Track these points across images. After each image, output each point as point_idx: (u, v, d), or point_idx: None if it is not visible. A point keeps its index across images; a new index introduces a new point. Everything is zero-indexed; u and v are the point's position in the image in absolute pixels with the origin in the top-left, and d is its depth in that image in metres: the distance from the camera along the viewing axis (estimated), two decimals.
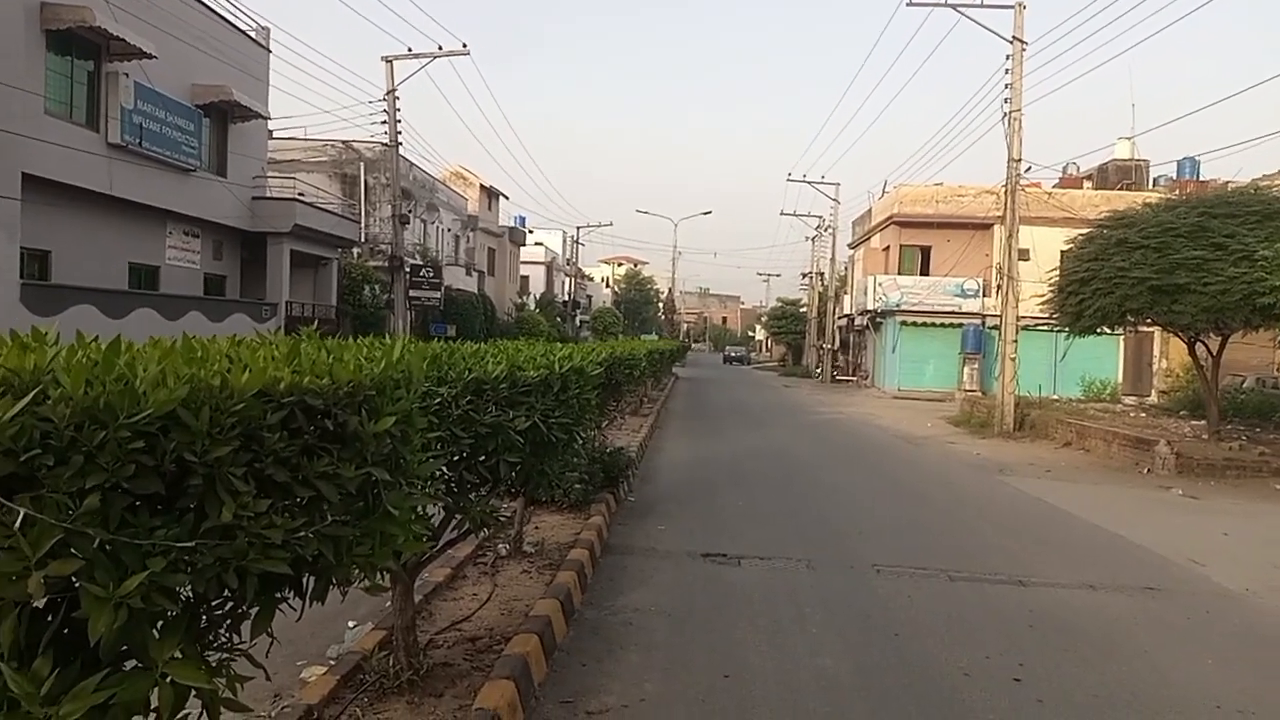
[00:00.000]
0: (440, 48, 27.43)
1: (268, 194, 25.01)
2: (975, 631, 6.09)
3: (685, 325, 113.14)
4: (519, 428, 4.54)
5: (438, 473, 4.39)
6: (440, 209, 39.96)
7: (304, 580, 2.34)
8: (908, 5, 22.23)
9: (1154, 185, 36.22)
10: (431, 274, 32.60)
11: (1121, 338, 30.47)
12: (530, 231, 59.52)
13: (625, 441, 13.84)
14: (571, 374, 5.36)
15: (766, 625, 6.09)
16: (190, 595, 2.01)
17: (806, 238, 57.81)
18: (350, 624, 5.64)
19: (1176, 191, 27.16)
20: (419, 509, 3.93)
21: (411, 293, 30.70)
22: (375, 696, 4.41)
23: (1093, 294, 17.10)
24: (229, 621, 2.22)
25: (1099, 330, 19.09)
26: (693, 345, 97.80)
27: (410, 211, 32.91)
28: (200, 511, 1.96)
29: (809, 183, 48.76)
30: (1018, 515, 10.88)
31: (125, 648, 1.88)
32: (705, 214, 77.13)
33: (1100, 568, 8.09)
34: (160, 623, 1.94)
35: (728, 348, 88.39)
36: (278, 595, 2.27)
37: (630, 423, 18.19)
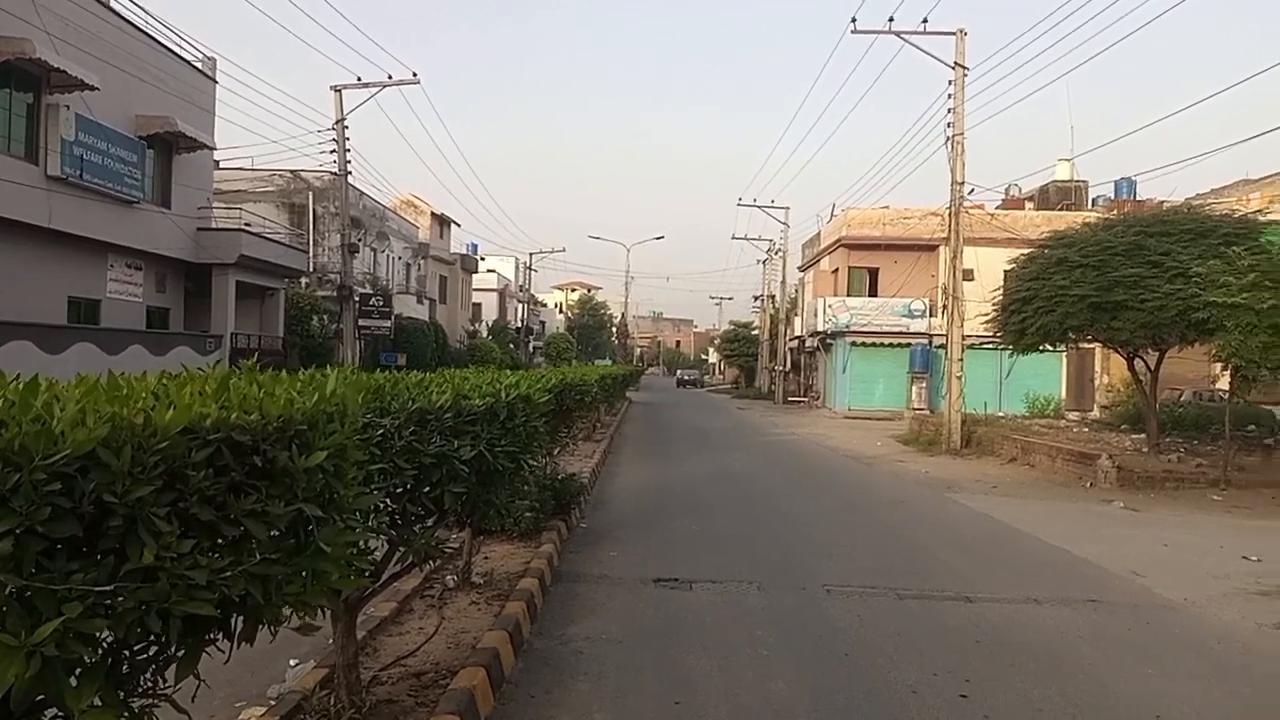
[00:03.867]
0: (390, 76, 27.39)
1: (213, 225, 24.63)
2: (923, 649, 6.15)
3: (639, 349, 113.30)
4: (464, 457, 4.51)
5: (380, 505, 4.34)
6: (391, 237, 39.68)
7: (232, 621, 2.29)
8: (853, 33, 22.73)
9: (1093, 205, 37.20)
10: (381, 303, 32.30)
11: (1064, 355, 31.16)
12: (482, 259, 59.35)
13: (578, 468, 13.80)
14: (518, 402, 5.34)
15: (718, 649, 6.09)
16: (111, 640, 1.96)
17: (758, 261, 58.43)
18: (292, 662, 5.53)
19: (1114, 211, 27.94)
20: (360, 543, 3.90)
21: (361, 322, 30.38)
22: None
23: (1035, 312, 17.50)
24: (154, 666, 2.17)
25: (1041, 348, 19.53)
26: (647, 369, 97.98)
27: (360, 240, 32.63)
28: (121, 553, 1.92)
29: (759, 207, 49.40)
30: (964, 532, 11.04)
31: (41, 697, 1.83)
32: (658, 239, 78.15)
33: (1044, 582, 8.23)
34: (78, 670, 1.89)
35: (680, 371, 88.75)
36: (205, 637, 2.22)
37: (583, 448, 18.14)
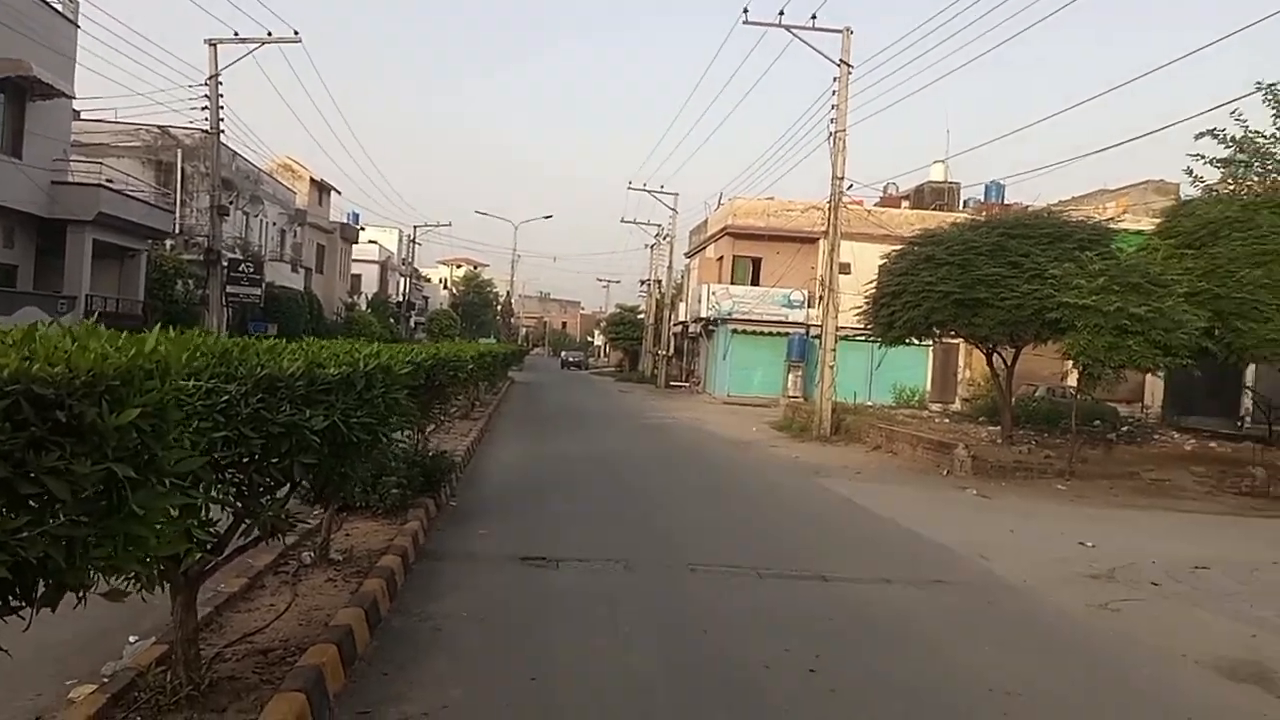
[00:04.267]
0: (270, 34, 26.16)
1: (70, 179, 23.02)
2: (779, 626, 6.32)
3: (524, 329, 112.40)
4: (316, 427, 4.34)
5: (226, 474, 4.16)
6: (265, 201, 38.01)
7: (33, 586, 2.13)
8: (745, 23, 22.98)
9: (964, 206, 38.84)
10: (251, 269, 30.97)
11: (930, 348, 32.51)
12: (363, 229, 57.56)
13: (451, 446, 13.59)
14: (377, 372, 5.18)
15: (580, 627, 6.11)
16: None
17: (646, 245, 58.69)
18: (131, 639, 5.25)
19: (983, 213, 29.27)
20: (200, 512, 3.72)
21: (229, 289, 29.08)
22: (149, 715, 4.11)
23: (903, 306, 18.19)
24: None
25: (908, 340, 20.35)
26: (531, 349, 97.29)
27: (231, 203, 31.11)
28: None
29: (649, 192, 49.62)
30: (827, 515, 11.41)
31: None
32: (546, 218, 77.71)
33: (897, 563, 8.58)
34: None
35: (565, 352, 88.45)
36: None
37: (460, 427, 17.88)
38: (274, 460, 4.33)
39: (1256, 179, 19.38)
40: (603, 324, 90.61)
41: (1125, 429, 21.09)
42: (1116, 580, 8.02)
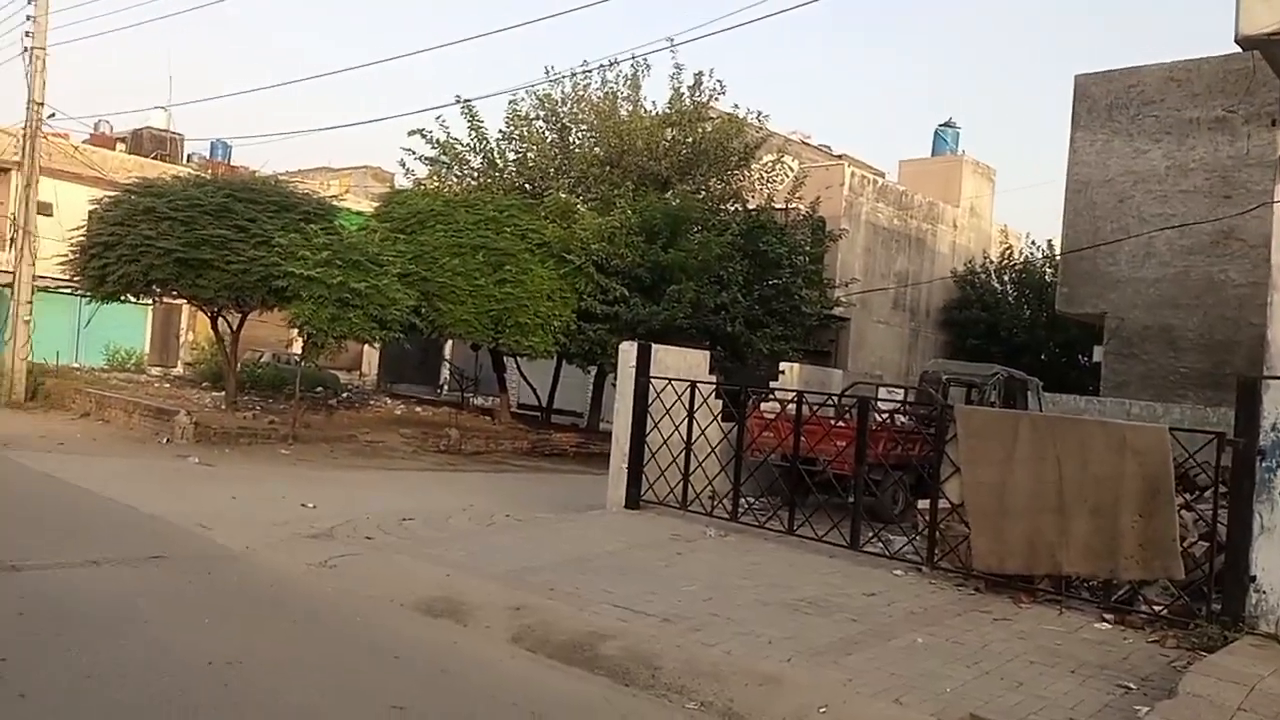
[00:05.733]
0: None
1: None
2: None
3: None
4: None
5: None
6: None
7: None
8: None
9: (188, 160, 36.83)
10: None
11: (151, 308, 30.18)
12: None
13: None
14: None
15: None
16: None
17: None
18: None
19: (209, 171, 28.17)
20: None
21: None
22: None
23: (118, 260, 16.52)
24: None
25: (124, 298, 18.58)
26: None
27: None
28: None
29: None
30: (20, 494, 9.88)
31: None
32: None
33: (107, 542, 7.80)
34: None
35: None
36: None
37: None
38: None
39: (456, 180, 22.44)
40: None
41: (345, 395, 22.58)
42: (335, 538, 8.52)
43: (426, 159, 22.11)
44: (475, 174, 22.15)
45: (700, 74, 21.64)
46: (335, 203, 20.52)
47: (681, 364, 10.97)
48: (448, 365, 28.42)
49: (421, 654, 5.73)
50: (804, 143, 29.64)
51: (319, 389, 21.04)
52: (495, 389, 23.31)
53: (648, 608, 6.49)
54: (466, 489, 12.94)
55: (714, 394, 10.52)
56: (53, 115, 20.15)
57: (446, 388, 28.39)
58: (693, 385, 10.20)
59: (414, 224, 18.38)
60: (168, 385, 22.26)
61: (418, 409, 22.46)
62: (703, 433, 10.17)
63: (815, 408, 9.93)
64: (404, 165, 22.55)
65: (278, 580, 7.23)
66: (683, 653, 5.63)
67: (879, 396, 11.74)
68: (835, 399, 10.66)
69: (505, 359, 21.63)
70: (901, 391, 13.39)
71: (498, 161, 22.18)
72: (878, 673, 5.44)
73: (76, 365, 26.45)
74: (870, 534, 8.76)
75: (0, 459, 11.86)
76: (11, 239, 21.37)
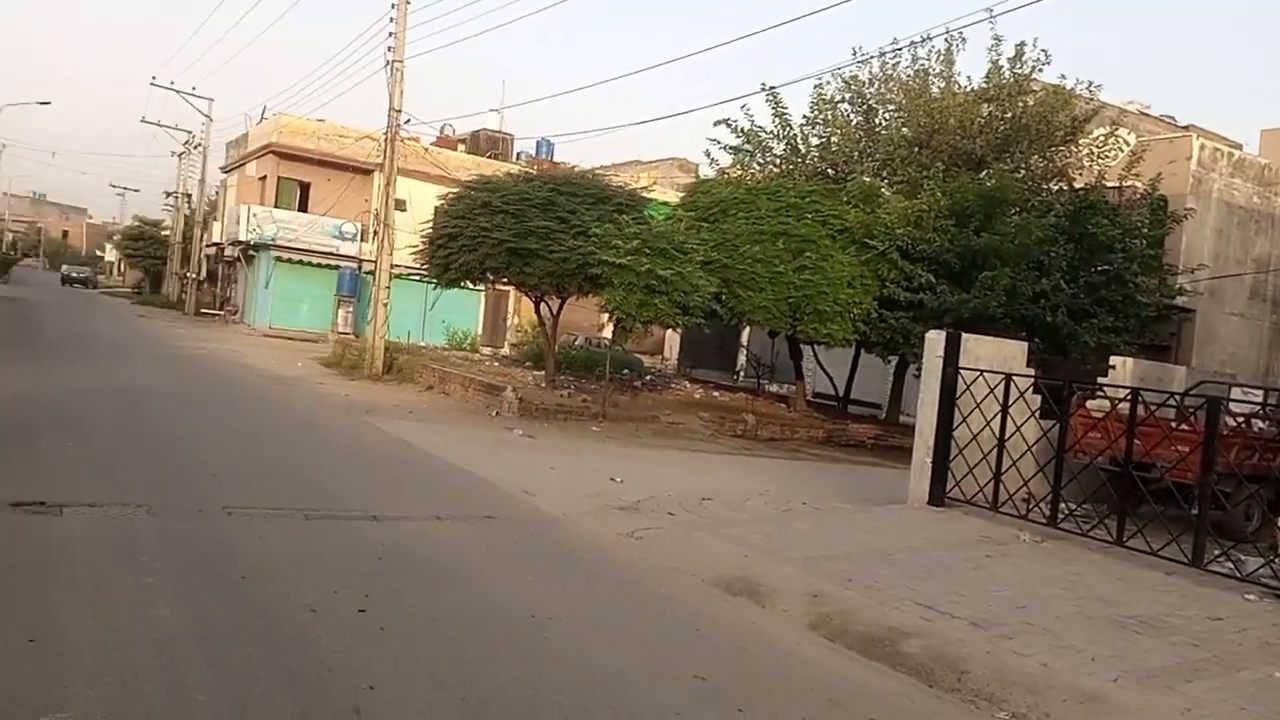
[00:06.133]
0: None
1: None
2: (326, 568, 6.10)
3: (11, 235, 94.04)
4: None
5: None
6: None
7: None
8: None
9: (517, 158, 40.21)
10: None
11: (483, 293, 33.42)
12: None
13: None
14: None
15: (91, 579, 5.32)
16: None
17: (173, 154, 51.97)
18: None
19: (534, 167, 30.58)
20: None
21: None
22: None
23: (459, 250, 18.44)
24: None
25: (463, 284, 20.73)
26: (21, 259, 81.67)
27: None
28: None
29: (178, 92, 44.21)
30: (379, 455, 11.25)
31: None
32: (43, 104, 65.20)
33: (447, 501, 8.74)
34: None
35: (68, 267, 75.59)
36: None
37: None
38: None
39: (758, 167, 22.61)
40: (117, 238, 78.93)
41: (649, 378, 23.66)
42: (640, 511, 8.96)
43: (730, 148, 22.46)
44: (778, 161, 22.18)
45: (1022, 44, 20.18)
46: (644, 194, 21.43)
47: (994, 355, 10.32)
48: (745, 351, 28.79)
49: (720, 630, 5.87)
50: (1142, 113, 26.64)
51: (625, 371, 22.17)
52: (791, 376, 23.28)
53: (953, 609, 6.19)
54: (762, 474, 13.07)
55: (1031, 388, 9.79)
56: (408, 121, 22.80)
57: (743, 373, 28.78)
58: (1007, 378, 9.56)
59: (716, 212, 18.77)
60: (496, 364, 24.49)
61: (715, 393, 22.98)
62: (1017, 429, 9.50)
63: (1153, 408, 8.92)
64: (708, 155, 23.08)
65: (589, 547, 7.73)
66: (992, 659, 5.32)
67: (1232, 398, 10.33)
68: (1178, 399, 9.50)
69: (802, 346, 21.51)
70: (1260, 393, 11.69)
71: (800, 147, 22.06)
72: (1224, 705, 4.81)
73: (422, 344, 29.88)
74: (1217, 552, 7.76)
75: (364, 425, 13.69)
76: (375, 232, 24.52)
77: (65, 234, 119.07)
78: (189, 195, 50.94)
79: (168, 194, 57.03)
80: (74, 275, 68.41)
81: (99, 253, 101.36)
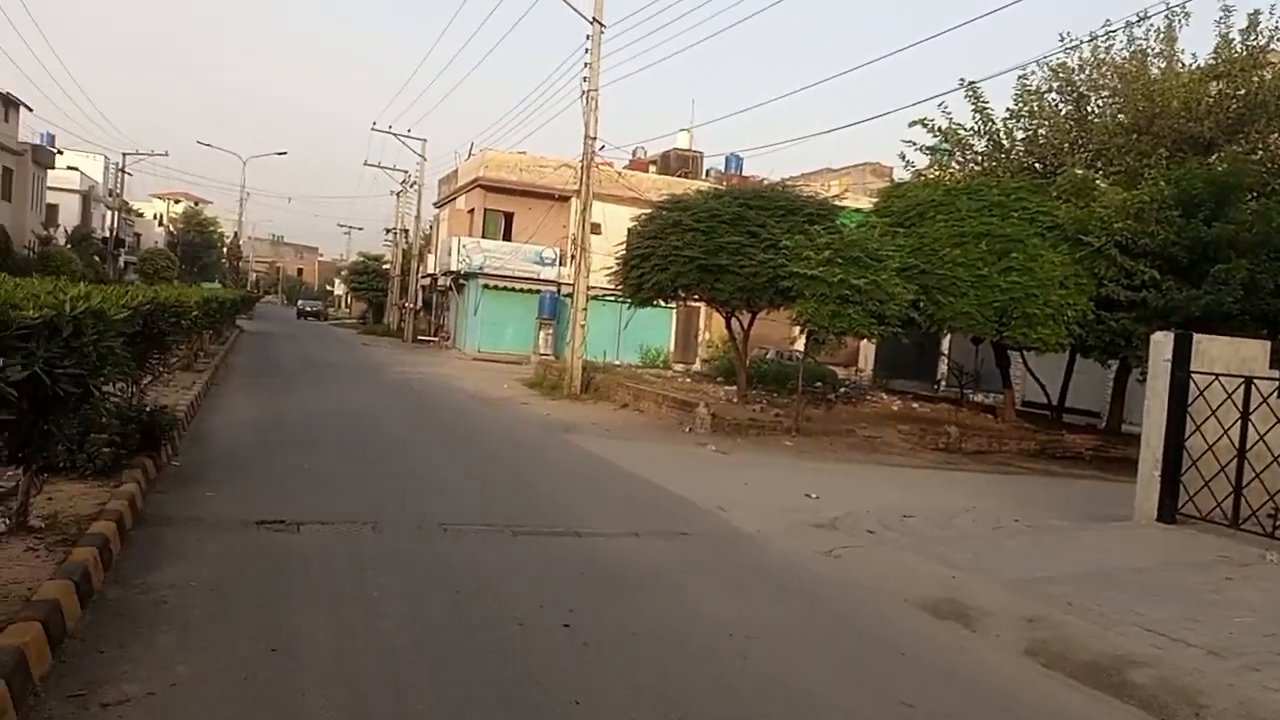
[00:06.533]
0: None
1: None
2: (532, 583, 6.35)
3: (254, 274, 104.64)
4: (13, 379, 3.78)
5: None
6: None
7: None
8: None
9: (706, 175, 40.55)
10: None
11: (674, 310, 33.86)
12: (60, 153, 50.84)
13: (173, 400, 12.45)
14: (88, 317, 4.58)
15: (324, 592, 5.81)
16: None
17: (391, 192, 56.37)
18: None
19: (724, 183, 30.74)
20: None
21: None
22: None
23: (651, 269, 18.81)
24: None
25: (656, 302, 21.09)
26: (263, 296, 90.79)
27: None
28: None
29: (395, 135, 47.63)
30: (578, 471, 11.61)
31: None
32: (280, 154, 72.65)
33: (645, 517, 8.89)
34: None
35: (302, 301, 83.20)
36: None
37: (181, 379, 16.36)
38: None
39: (958, 166, 21.67)
40: (344, 273, 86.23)
41: (843, 390, 23.14)
42: (838, 529, 8.76)
43: (926, 149, 21.68)
44: (979, 158, 21.20)
45: (1256, 14, 18.30)
46: (835, 202, 21.04)
47: (1231, 356, 9.36)
48: (945, 360, 27.57)
49: (927, 653, 5.63)
50: None
51: (818, 384, 21.79)
52: (998, 385, 22.06)
53: (1188, 636, 5.64)
54: (968, 489, 12.45)
55: (1276, 393, 8.80)
56: (603, 147, 23.57)
57: (944, 383, 27.58)
58: (1247, 381, 8.64)
59: (913, 216, 18.13)
60: (688, 380, 24.73)
61: (914, 405, 22.15)
62: (1261, 439, 8.56)
63: None
64: (903, 157, 22.37)
65: (786, 564, 7.63)
66: (1236, 693, 4.80)
67: None
68: None
69: (1010, 353, 20.35)
70: None
71: (1004, 142, 20.98)
72: None
73: (617, 362, 30.61)
74: None
75: (564, 442, 14.18)
76: (572, 256, 25.41)
77: (300, 271, 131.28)
78: (406, 230, 54.86)
79: (387, 230, 61.80)
80: (307, 309, 75.12)
81: (329, 287, 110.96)
